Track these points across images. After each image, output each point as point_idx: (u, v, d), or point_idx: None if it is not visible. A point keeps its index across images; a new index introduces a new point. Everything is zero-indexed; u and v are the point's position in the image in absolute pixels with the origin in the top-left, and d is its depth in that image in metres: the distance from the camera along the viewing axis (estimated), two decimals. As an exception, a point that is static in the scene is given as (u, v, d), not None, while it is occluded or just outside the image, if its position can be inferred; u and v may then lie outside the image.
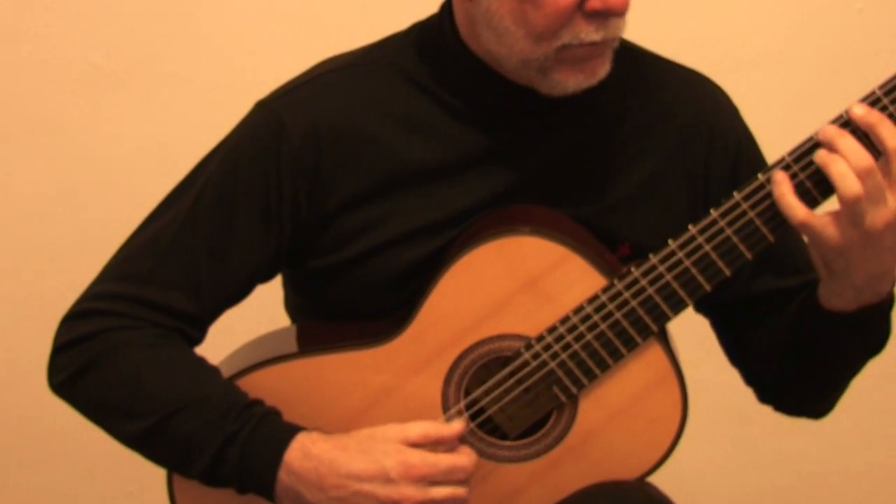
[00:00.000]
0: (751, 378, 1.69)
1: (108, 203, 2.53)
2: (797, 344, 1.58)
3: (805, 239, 1.48)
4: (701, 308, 1.69)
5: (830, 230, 1.42)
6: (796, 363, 1.59)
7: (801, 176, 1.45)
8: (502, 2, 1.46)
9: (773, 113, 2.43)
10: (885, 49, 2.54)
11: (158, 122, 2.52)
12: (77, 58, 2.50)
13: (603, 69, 1.50)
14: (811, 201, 1.45)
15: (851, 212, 1.40)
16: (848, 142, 1.41)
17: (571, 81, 1.49)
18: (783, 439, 2.73)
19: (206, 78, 2.51)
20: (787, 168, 1.45)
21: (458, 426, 1.52)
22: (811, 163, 1.44)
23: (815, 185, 1.45)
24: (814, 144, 1.44)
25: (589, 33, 1.45)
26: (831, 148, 1.42)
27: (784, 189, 1.43)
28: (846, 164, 1.40)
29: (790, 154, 1.46)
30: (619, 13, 1.45)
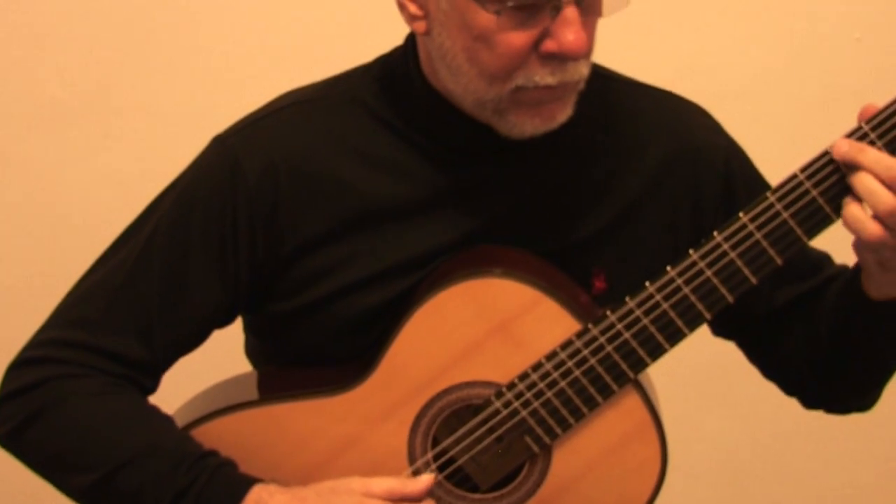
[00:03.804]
0: (792, 387, 1.63)
1: (65, 238, 2.48)
2: (843, 341, 1.51)
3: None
4: (723, 332, 1.64)
5: (891, 237, 1.35)
6: (843, 359, 1.53)
7: (814, 193, 1.38)
8: (455, 39, 1.40)
9: (771, 142, 2.40)
10: (883, 78, 2.50)
11: (118, 155, 2.48)
12: (35, 90, 2.46)
13: (562, 113, 1.43)
14: (824, 218, 1.39)
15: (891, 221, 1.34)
16: (872, 155, 1.34)
17: (528, 125, 1.42)
18: (777, 489, 2.65)
19: (165, 109, 2.47)
20: (798, 186, 1.38)
21: (425, 481, 1.45)
22: (822, 180, 1.37)
23: (829, 202, 1.38)
24: (829, 160, 1.38)
25: (544, 76, 1.38)
26: (851, 165, 1.35)
27: (853, 208, 1.36)
28: (873, 179, 1.34)
29: (802, 171, 1.39)
30: (576, 57, 1.38)
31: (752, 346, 1.64)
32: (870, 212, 1.36)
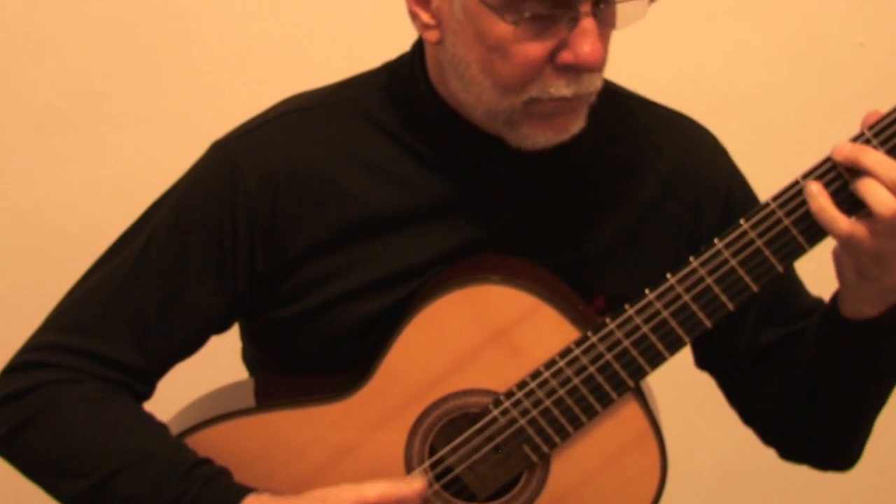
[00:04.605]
0: (770, 434, 1.60)
1: (61, 245, 2.46)
2: (820, 373, 1.48)
3: (838, 245, 1.39)
4: (706, 365, 1.62)
5: (871, 240, 1.33)
6: (821, 398, 1.50)
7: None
8: (470, 49, 1.38)
9: (774, 147, 2.40)
10: (886, 83, 2.49)
11: (115, 162, 2.46)
12: (31, 97, 2.44)
13: (575, 125, 1.41)
14: (813, 236, 1.36)
15: (891, 226, 1.32)
16: (874, 156, 1.32)
17: (541, 137, 1.41)
18: (779, 498, 2.64)
19: (163, 116, 2.46)
20: (800, 193, 1.36)
21: (418, 484, 1.43)
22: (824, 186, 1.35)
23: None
24: (831, 166, 1.35)
25: (559, 88, 1.37)
26: (853, 167, 1.33)
27: (822, 201, 1.34)
28: (876, 182, 1.32)
29: (804, 177, 1.36)
30: (593, 69, 1.36)
31: (731, 385, 1.62)
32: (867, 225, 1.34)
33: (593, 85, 1.39)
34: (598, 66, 1.36)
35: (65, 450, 1.44)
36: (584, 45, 1.34)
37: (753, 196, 1.58)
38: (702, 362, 1.62)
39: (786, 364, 1.53)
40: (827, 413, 1.51)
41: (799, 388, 1.51)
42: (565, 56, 1.35)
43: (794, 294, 1.55)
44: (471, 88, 1.40)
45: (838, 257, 1.40)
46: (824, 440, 1.55)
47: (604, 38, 1.37)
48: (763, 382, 1.57)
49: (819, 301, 1.57)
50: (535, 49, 1.35)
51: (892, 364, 1.48)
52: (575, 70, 1.36)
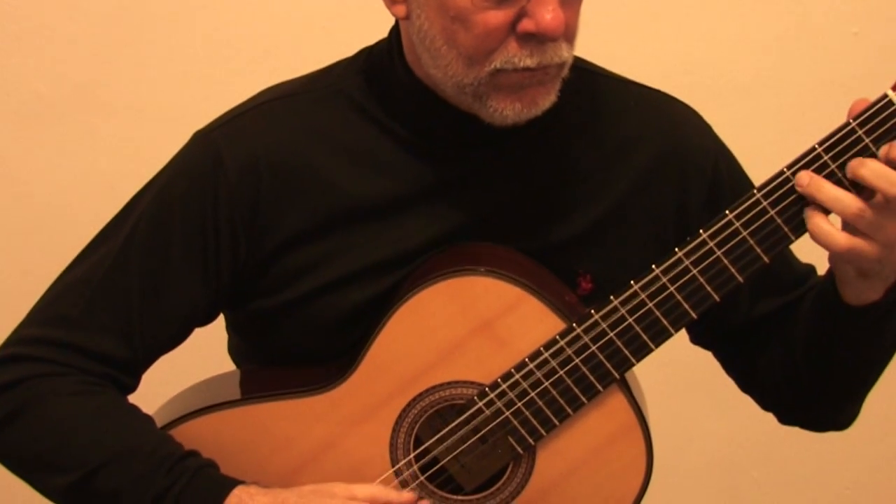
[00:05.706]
0: (768, 401, 1.60)
1: (49, 236, 2.45)
2: (819, 348, 1.48)
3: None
4: (700, 341, 1.62)
5: (869, 249, 1.33)
6: (818, 368, 1.50)
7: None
8: (433, 21, 1.38)
9: (767, 136, 2.39)
10: (880, 73, 2.46)
11: (103, 152, 2.46)
12: (21, 87, 2.43)
13: (545, 99, 1.40)
14: (799, 226, 1.36)
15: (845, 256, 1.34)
16: (829, 192, 1.33)
17: (509, 110, 1.40)
18: (771, 489, 2.63)
19: (152, 106, 2.45)
20: (785, 183, 1.36)
21: (408, 496, 1.44)
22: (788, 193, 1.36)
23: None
24: (816, 156, 1.35)
25: (523, 58, 1.36)
26: (812, 200, 1.34)
27: (818, 220, 1.34)
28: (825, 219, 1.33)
29: (789, 167, 1.36)
30: (555, 38, 1.35)
31: (729, 357, 1.62)
32: (839, 223, 1.34)
33: (558, 56, 1.38)
34: (559, 34, 1.35)
35: (50, 444, 1.44)
36: (544, 12, 1.33)
37: (741, 172, 1.58)
38: (697, 339, 1.62)
39: (783, 336, 1.53)
40: (827, 383, 1.52)
41: (798, 360, 1.51)
42: (526, 24, 1.35)
43: (784, 264, 1.55)
44: (438, 62, 1.40)
45: (838, 263, 1.40)
46: (824, 406, 1.56)
47: (568, 6, 1.37)
48: (760, 354, 1.57)
49: (810, 268, 1.58)
50: (495, 18, 1.35)
51: (894, 337, 1.48)
52: (537, 39, 1.35)
